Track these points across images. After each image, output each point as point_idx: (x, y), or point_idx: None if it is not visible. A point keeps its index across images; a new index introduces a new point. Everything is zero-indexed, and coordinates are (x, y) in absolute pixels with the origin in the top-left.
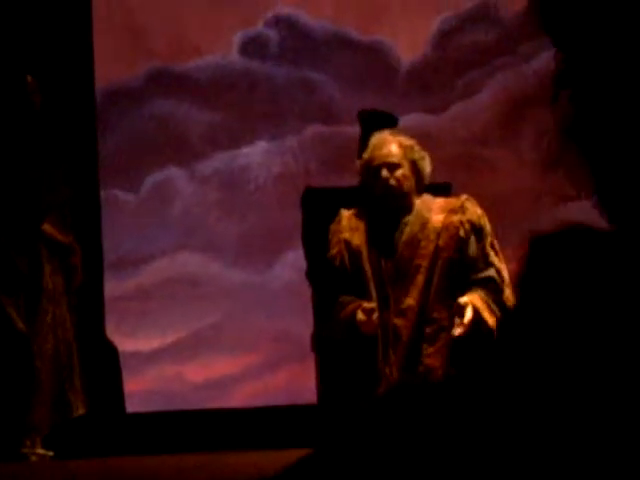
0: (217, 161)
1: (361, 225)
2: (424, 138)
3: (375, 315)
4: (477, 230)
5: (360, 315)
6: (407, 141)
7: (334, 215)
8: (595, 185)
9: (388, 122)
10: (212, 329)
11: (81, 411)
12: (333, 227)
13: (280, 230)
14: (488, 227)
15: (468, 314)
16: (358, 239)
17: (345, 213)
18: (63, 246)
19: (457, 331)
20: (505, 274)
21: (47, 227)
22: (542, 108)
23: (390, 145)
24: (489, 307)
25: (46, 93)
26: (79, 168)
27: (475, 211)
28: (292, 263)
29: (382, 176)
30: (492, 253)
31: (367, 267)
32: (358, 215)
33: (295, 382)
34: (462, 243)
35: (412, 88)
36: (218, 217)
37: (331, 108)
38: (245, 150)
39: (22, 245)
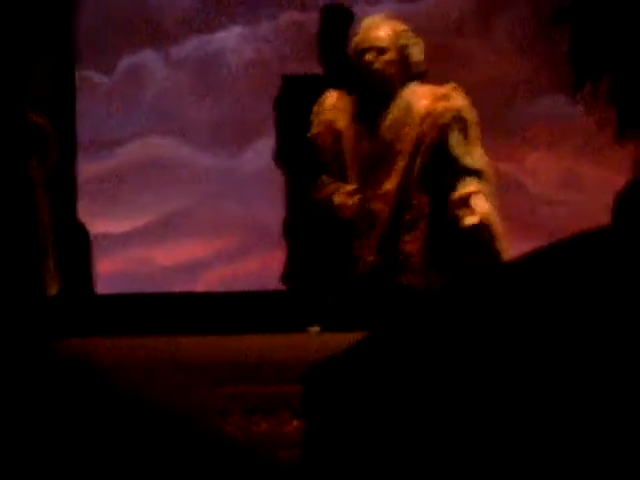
0: (191, 46)
1: (347, 107)
2: None
3: (355, 198)
4: (461, 119)
5: (338, 198)
6: (399, 26)
7: (310, 101)
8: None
9: (345, 17)
10: (182, 213)
11: (53, 291)
12: (316, 108)
13: (252, 117)
14: (473, 118)
15: (482, 204)
16: (342, 121)
17: (330, 93)
18: (38, 127)
19: (471, 220)
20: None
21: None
22: None
23: (380, 29)
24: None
25: None
26: (54, 48)
27: (462, 100)
28: (264, 150)
29: (366, 59)
30: (479, 146)
31: (347, 149)
32: (344, 97)
33: (264, 269)
34: (444, 130)
35: None
36: (191, 102)
37: None
38: (219, 35)
39: None
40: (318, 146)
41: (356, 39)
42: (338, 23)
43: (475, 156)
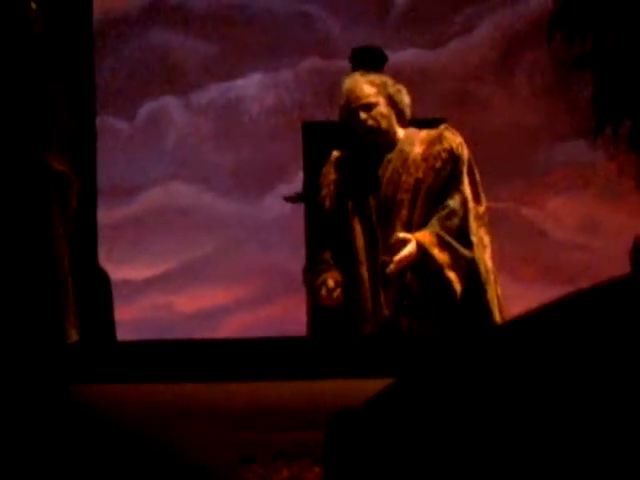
0: (212, 92)
1: (350, 165)
2: (420, 74)
3: (337, 292)
4: (454, 158)
5: (322, 291)
6: (378, 78)
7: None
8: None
9: (377, 59)
10: (203, 260)
11: (73, 338)
12: (324, 169)
13: (273, 163)
14: (465, 155)
15: (404, 251)
16: (346, 179)
17: (335, 154)
18: (59, 174)
19: (388, 268)
20: (475, 206)
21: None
22: (538, 45)
23: (362, 86)
24: (440, 242)
25: (45, 21)
26: (76, 95)
27: (454, 139)
28: (284, 196)
29: (360, 119)
30: (465, 182)
31: (351, 207)
32: (347, 156)
33: (286, 315)
34: (439, 172)
35: (409, 23)
36: (212, 148)
37: (327, 42)
38: (240, 82)
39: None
40: (325, 209)
41: (342, 102)
42: (371, 65)
43: (454, 191)
